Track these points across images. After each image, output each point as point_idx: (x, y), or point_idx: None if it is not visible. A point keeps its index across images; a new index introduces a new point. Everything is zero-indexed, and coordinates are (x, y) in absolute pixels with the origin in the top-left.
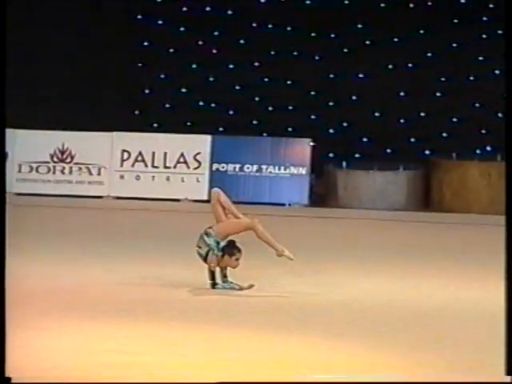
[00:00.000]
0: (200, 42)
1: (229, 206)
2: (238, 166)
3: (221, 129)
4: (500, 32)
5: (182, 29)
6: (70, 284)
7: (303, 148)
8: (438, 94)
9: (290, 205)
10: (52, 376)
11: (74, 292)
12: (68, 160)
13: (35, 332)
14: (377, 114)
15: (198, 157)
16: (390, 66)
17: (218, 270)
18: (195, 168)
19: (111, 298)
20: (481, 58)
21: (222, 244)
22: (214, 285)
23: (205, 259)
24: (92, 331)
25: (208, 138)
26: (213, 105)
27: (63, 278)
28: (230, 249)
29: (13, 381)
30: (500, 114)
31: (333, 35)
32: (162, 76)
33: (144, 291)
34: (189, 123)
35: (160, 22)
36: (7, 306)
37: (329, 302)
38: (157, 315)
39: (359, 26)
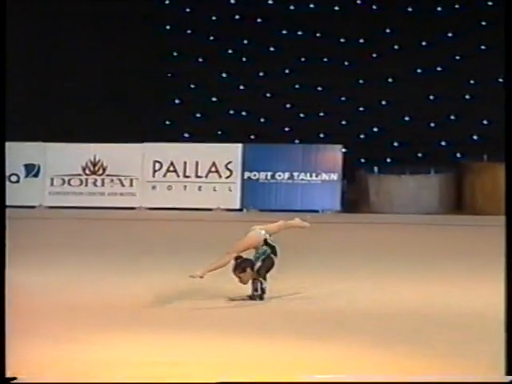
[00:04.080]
0: (229, 51)
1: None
2: (269, 173)
3: (252, 137)
4: None
5: (211, 38)
6: (104, 296)
7: (334, 154)
8: (467, 97)
9: (322, 211)
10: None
11: (109, 304)
12: (100, 172)
13: (74, 345)
14: (407, 119)
15: (229, 165)
16: (419, 70)
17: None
18: (227, 177)
19: (147, 310)
20: None
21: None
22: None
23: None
24: (132, 343)
25: (239, 146)
26: (243, 113)
27: (97, 290)
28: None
29: (13, 381)
30: None
31: (361, 40)
32: (192, 86)
33: (180, 302)
34: (220, 132)
35: (189, 32)
36: (45, 318)
37: (361, 308)
38: (193, 325)
39: (387, 30)
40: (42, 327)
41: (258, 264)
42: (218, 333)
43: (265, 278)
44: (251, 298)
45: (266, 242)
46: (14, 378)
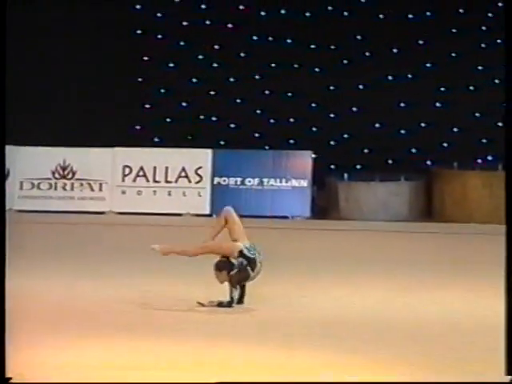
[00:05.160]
0: (200, 56)
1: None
2: (239, 179)
3: (222, 142)
4: (499, 41)
5: (181, 43)
6: (71, 301)
7: (304, 160)
8: (437, 105)
9: (292, 217)
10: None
11: (73, 309)
12: (69, 176)
13: (48, 350)
14: (377, 125)
15: (199, 171)
16: (390, 77)
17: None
18: (197, 182)
19: (111, 315)
20: (480, 68)
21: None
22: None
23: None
24: (94, 349)
25: (209, 151)
26: (214, 118)
27: (63, 295)
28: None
29: (13, 381)
30: (500, 124)
31: (332, 47)
32: (163, 90)
33: (145, 308)
34: (190, 137)
35: (159, 37)
36: (12, 323)
37: (333, 316)
38: (159, 331)
39: (358, 37)
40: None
41: (233, 272)
42: (186, 338)
43: (235, 287)
44: (220, 304)
45: (241, 254)
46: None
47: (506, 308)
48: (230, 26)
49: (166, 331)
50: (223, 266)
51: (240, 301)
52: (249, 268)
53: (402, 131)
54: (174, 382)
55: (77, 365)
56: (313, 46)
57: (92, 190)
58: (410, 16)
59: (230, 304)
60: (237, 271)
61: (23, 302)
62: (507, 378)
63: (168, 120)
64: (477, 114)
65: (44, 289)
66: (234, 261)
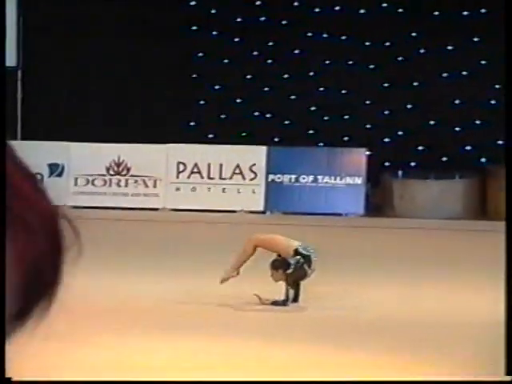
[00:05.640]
0: (255, 53)
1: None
2: (293, 176)
3: (276, 139)
4: None
5: (236, 39)
6: (125, 298)
7: (359, 157)
8: (492, 102)
9: (346, 215)
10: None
11: (130, 306)
12: (124, 172)
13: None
14: (432, 123)
15: (253, 168)
16: (445, 74)
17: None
18: (251, 179)
19: (169, 312)
20: None
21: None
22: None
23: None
24: (154, 346)
25: (263, 148)
26: (268, 115)
27: (118, 291)
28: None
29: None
30: None
31: (387, 44)
32: (217, 87)
33: (203, 305)
34: (244, 134)
35: (214, 33)
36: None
37: (387, 315)
38: (216, 329)
39: (413, 34)
40: (58, 329)
41: (289, 271)
42: (241, 337)
43: (292, 287)
44: (274, 303)
45: (296, 252)
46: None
47: (505, 308)
48: (284, 22)
49: (223, 329)
50: (279, 264)
51: (295, 299)
52: (306, 266)
53: (457, 128)
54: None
55: (146, 366)
56: (367, 43)
57: (146, 186)
58: (465, 13)
59: (284, 303)
60: (293, 270)
61: (88, 299)
62: (507, 378)
63: (222, 116)
64: None
65: (94, 287)
66: (290, 260)
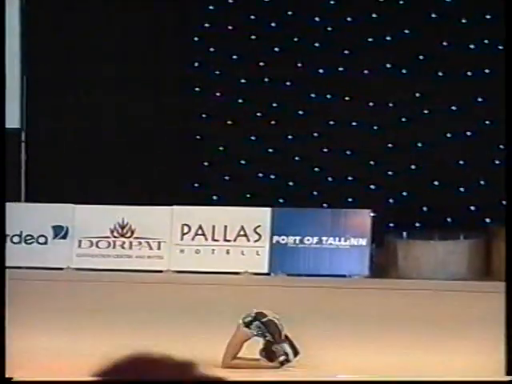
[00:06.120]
0: (258, 114)
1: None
2: (298, 238)
3: (281, 200)
4: None
5: (239, 100)
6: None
7: (363, 219)
8: (497, 162)
9: (350, 276)
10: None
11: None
12: (128, 235)
13: None
14: (436, 183)
15: (258, 229)
16: (449, 135)
17: None
18: (255, 241)
19: None
20: None
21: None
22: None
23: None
24: None
25: (268, 210)
26: (272, 176)
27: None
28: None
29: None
30: None
31: (391, 104)
32: (221, 148)
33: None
34: (248, 195)
35: (217, 94)
36: None
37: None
38: None
39: (417, 94)
40: None
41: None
42: None
43: (280, 341)
44: (281, 363)
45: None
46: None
47: (505, 308)
48: (287, 83)
49: None
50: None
51: (295, 353)
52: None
53: (461, 189)
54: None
55: None
56: (371, 104)
57: (150, 248)
58: (469, 73)
59: (287, 359)
60: (263, 335)
61: (83, 360)
62: (507, 378)
63: (226, 178)
64: None
65: (98, 349)
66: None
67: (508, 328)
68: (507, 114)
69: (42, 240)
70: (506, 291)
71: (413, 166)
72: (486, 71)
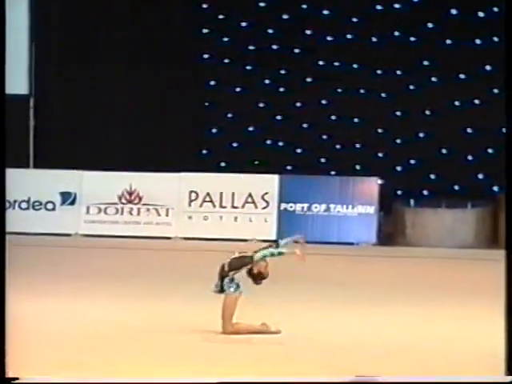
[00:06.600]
0: (267, 81)
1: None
2: (306, 205)
3: (289, 167)
4: None
5: (248, 67)
6: (134, 325)
7: (371, 186)
8: (504, 130)
9: (357, 244)
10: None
11: (137, 335)
12: (136, 201)
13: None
14: (444, 151)
15: (265, 196)
16: (457, 103)
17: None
18: (263, 208)
19: (174, 340)
20: None
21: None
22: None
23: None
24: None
25: (276, 177)
26: (280, 143)
27: (126, 320)
28: None
29: (13, 381)
30: None
31: (399, 72)
32: (229, 115)
33: (207, 333)
34: (256, 162)
35: (226, 61)
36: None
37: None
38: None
39: (425, 62)
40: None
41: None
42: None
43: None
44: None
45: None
46: (16, 378)
47: (505, 308)
48: (296, 50)
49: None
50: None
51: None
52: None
53: (469, 157)
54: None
55: None
56: (379, 72)
57: (158, 215)
58: (478, 41)
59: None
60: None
61: (99, 327)
62: (507, 378)
63: (235, 145)
64: None
65: (112, 314)
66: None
67: (508, 328)
68: (507, 113)
69: (49, 206)
70: (505, 258)
71: (421, 134)
72: (495, 39)
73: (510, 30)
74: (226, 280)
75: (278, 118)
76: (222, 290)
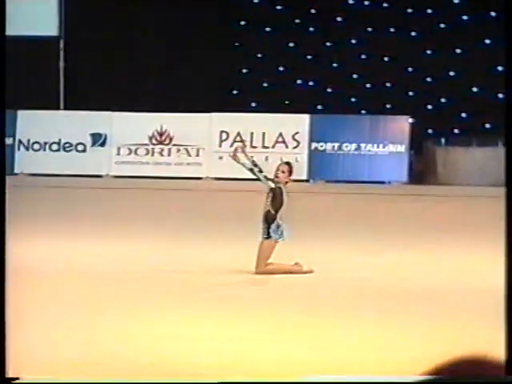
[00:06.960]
0: (297, 21)
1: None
2: (336, 144)
3: (319, 107)
4: None
5: (278, 7)
6: (171, 266)
7: (402, 125)
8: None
9: (389, 182)
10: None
11: (171, 276)
12: (166, 142)
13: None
14: (475, 90)
15: (296, 136)
16: (488, 41)
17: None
18: (294, 147)
19: (212, 280)
20: None
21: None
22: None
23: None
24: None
25: (306, 117)
26: (311, 83)
27: (161, 259)
28: None
29: (13, 381)
30: None
31: (429, 11)
32: (259, 55)
33: (240, 273)
34: (287, 102)
35: (256, 1)
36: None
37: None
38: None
39: (456, 1)
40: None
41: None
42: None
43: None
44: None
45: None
46: (16, 378)
47: (505, 308)
48: None
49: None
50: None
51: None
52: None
53: (500, 95)
54: (172, 382)
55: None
56: (409, 11)
57: (189, 155)
58: None
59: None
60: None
61: (124, 265)
62: (507, 378)
63: (265, 85)
64: None
65: (143, 254)
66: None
67: (508, 328)
68: (507, 112)
69: (80, 148)
70: (505, 293)
71: (451, 73)
72: None
73: (510, 30)
74: (273, 226)
75: (308, 57)
76: (268, 237)
